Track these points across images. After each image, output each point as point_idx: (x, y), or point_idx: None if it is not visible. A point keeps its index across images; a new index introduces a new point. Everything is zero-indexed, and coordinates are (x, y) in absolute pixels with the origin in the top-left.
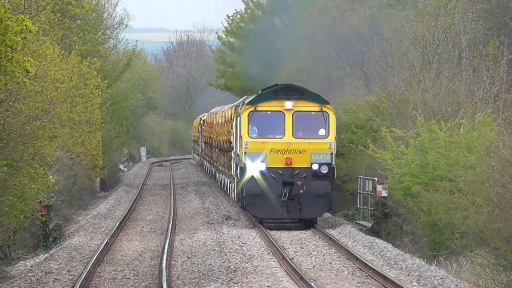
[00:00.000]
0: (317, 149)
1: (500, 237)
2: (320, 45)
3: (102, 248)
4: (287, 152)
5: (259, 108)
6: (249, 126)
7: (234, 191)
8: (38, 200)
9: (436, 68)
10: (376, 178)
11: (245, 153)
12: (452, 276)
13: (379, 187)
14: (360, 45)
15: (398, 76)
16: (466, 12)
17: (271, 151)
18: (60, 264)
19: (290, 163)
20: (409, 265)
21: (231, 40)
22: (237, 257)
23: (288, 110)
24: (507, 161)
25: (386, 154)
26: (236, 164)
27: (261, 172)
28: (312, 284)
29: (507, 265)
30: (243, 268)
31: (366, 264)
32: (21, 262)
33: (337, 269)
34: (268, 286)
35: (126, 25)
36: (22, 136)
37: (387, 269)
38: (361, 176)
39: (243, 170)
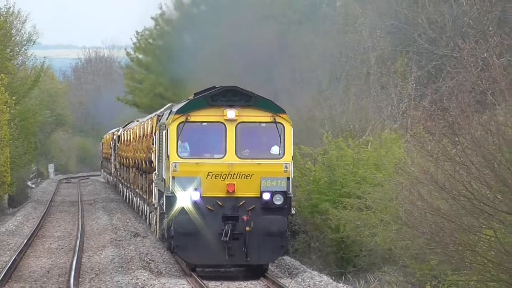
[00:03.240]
0: (269, 172)
1: (408, 254)
2: (230, 61)
3: (10, 265)
4: (229, 176)
5: (192, 119)
6: (179, 142)
7: (156, 226)
8: None
9: (344, 85)
10: None
11: (173, 177)
12: None
13: None
14: (269, 62)
15: (306, 92)
16: (374, 29)
17: (208, 175)
18: None
19: (233, 191)
20: (317, 282)
21: (140, 57)
22: None
23: (231, 120)
24: (416, 178)
25: (294, 171)
26: (160, 191)
27: (195, 203)
28: None
29: (415, 283)
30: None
31: None
32: None
33: None
34: None
35: (34, 42)
36: None
37: (295, 286)
38: None
39: (170, 200)
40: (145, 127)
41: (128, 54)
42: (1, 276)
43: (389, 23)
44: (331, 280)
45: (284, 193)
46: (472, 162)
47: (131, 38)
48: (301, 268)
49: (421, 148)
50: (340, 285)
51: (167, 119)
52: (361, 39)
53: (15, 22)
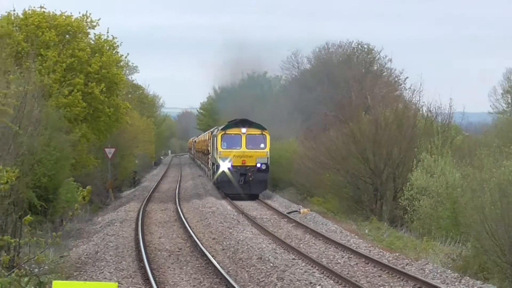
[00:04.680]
0: (259, 155)
1: (298, 183)
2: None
3: (155, 186)
4: (243, 157)
5: (227, 132)
6: (222, 142)
7: (212, 179)
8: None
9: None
10: None
11: (219, 157)
12: None
13: None
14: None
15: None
16: None
17: (234, 156)
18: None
19: (245, 163)
20: (280, 200)
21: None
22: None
23: (244, 133)
24: (301, 154)
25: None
26: (213, 163)
27: (228, 168)
28: (257, 222)
29: (300, 193)
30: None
31: (278, 212)
32: (126, 192)
33: (269, 216)
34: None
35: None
36: None
37: (270, 202)
38: None
39: (218, 167)
40: (206, 137)
41: (198, 111)
42: (152, 189)
43: None
44: (284, 199)
45: (266, 164)
46: (320, 150)
47: (200, 102)
48: (273, 195)
49: (302, 144)
50: (280, 198)
51: (216, 132)
52: None
53: None
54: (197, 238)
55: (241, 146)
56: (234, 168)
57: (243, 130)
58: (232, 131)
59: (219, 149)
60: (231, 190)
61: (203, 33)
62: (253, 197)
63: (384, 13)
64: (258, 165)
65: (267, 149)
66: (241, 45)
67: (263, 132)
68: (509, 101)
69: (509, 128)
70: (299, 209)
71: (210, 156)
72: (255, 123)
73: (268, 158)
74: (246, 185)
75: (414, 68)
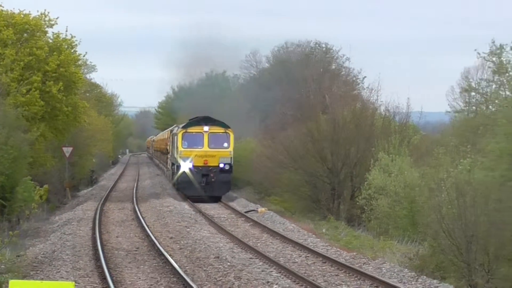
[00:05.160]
0: (222, 155)
1: (257, 181)
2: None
3: (113, 185)
4: (205, 157)
5: (188, 130)
6: (183, 141)
7: (172, 179)
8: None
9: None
10: None
11: (180, 157)
12: None
13: None
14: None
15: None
16: None
17: (195, 155)
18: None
19: (207, 163)
20: (242, 201)
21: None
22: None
23: (206, 131)
24: (259, 153)
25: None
26: (172, 163)
27: (189, 168)
28: (215, 221)
29: (259, 191)
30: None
31: (236, 211)
32: (83, 191)
33: (227, 215)
34: (197, 225)
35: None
36: None
37: (233, 204)
38: None
39: (178, 167)
40: (165, 135)
41: (156, 110)
42: (110, 188)
43: None
44: (247, 201)
45: (229, 164)
46: (278, 149)
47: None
48: (237, 197)
49: (261, 143)
50: (256, 205)
51: (177, 130)
52: None
53: None
54: (155, 237)
55: (203, 145)
56: (195, 169)
57: (206, 128)
58: (194, 129)
59: (180, 148)
60: (192, 192)
61: (163, 33)
62: (216, 199)
63: (342, 13)
64: (221, 165)
65: (231, 149)
66: (199, 44)
67: (227, 131)
68: (467, 100)
69: (466, 127)
70: (257, 208)
71: (169, 156)
72: (218, 121)
73: (231, 158)
74: (208, 186)
75: (373, 67)
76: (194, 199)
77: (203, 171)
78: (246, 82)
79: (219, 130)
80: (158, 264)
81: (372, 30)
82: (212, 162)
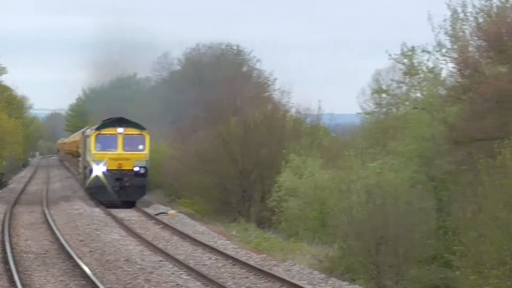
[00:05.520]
0: (138, 158)
1: (175, 183)
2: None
3: (23, 188)
4: (119, 160)
5: (102, 132)
6: (96, 143)
7: (84, 184)
8: None
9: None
10: None
11: (92, 160)
12: None
13: None
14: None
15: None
16: None
17: (109, 159)
18: None
19: (121, 167)
20: (159, 208)
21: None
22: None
23: (120, 133)
24: (171, 156)
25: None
26: (85, 166)
27: (103, 172)
28: (125, 223)
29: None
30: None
31: (146, 213)
32: None
33: (137, 218)
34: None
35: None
36: None
37: (148, 210)
38: None
39: (90, 171)
40: (76, 138)
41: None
42: (20, 191)
43: None
44: (164, 206)
45: (145, 168)
46: (189, 152)
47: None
48: (152, 202)
49: (171, 145)
50: (166, 208)
51: (89, 132)
52: None
53: None
54: (64, 240)
55: (117, 148)
56: (109, 172)
57: (120, 130)
58: (107, 131)
59: (93, 151)
60: (105, 197)
61: (74, 35)
62: (130, 204)
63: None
64: (136, 168)
65: (147, 151)
66: (110, 45)
67: (142, 132)
68: (378, 101)
69: (376, 129)
70: (167, 210)
71: (81, 159)
72: (133, 122)
73: (147, 161)
74: (122, 191)
75: (285, 70)
76: (107, 205)
77: (117, 175)
78: (158, 84)
79: (134, 131)
80: (68, 267)
81: (286, 32)
82: (126, 166)
